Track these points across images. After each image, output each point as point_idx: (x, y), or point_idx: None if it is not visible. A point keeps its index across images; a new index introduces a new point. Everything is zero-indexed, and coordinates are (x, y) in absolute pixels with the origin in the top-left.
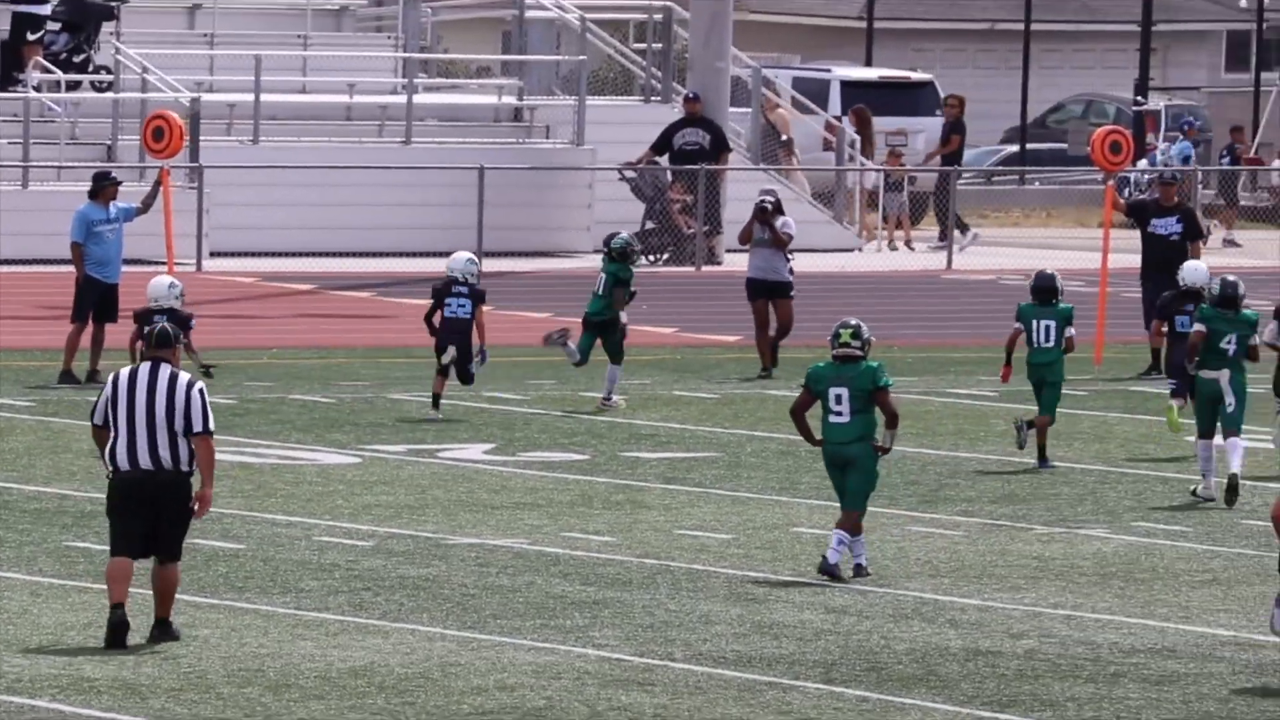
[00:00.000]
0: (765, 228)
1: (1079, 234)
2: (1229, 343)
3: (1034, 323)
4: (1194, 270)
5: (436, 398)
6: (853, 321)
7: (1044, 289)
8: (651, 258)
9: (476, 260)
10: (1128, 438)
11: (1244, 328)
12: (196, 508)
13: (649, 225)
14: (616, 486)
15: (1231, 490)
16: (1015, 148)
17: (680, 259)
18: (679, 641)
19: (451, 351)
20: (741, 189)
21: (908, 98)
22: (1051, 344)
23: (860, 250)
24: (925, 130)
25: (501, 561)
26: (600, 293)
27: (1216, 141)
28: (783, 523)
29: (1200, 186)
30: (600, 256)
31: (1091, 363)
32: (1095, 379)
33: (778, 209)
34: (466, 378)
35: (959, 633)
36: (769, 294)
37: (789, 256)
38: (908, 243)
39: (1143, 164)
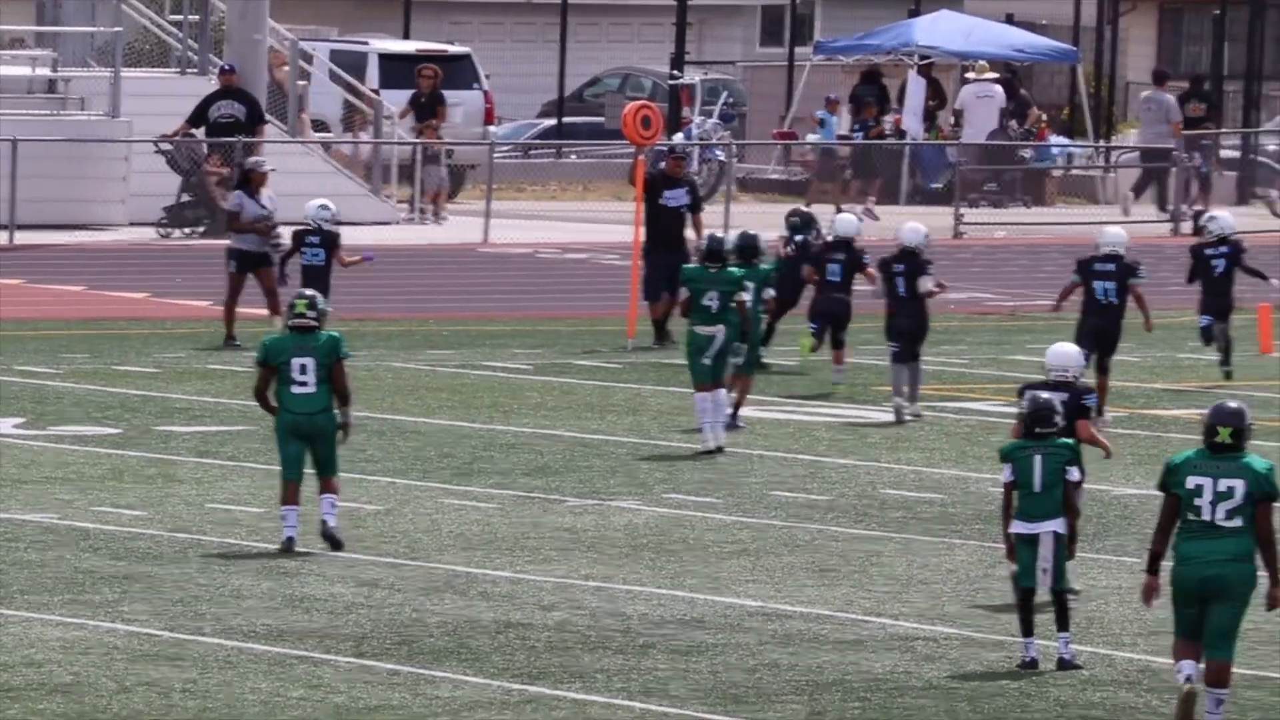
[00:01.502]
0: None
1: (615, 207)
2: (711, 299)
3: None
4: (850, 226)
5: None
6: (308, 293)
7: (746, 248)
8: (187, 230)
9: (330, 206)
10: (660, 410)
11: (726, 285)
12: None
13: (185, 198)
14: (149, 460)
15: (718, 451)
16: (553, 121)
17: (216, 232)
18: (209, 616)
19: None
20: (278, 161)
21: (445, 70)
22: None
23: (398, 223)
24: (464, 103)
25: (30, 536)
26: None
27: (753, 115)
28: (312, 495)
29: (736, 160)
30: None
31: (626, 335)
32: (633, 351)
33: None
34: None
35: (490, 605)
36: (254, 265)
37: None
38: (436, 214)
39: (679, 137)
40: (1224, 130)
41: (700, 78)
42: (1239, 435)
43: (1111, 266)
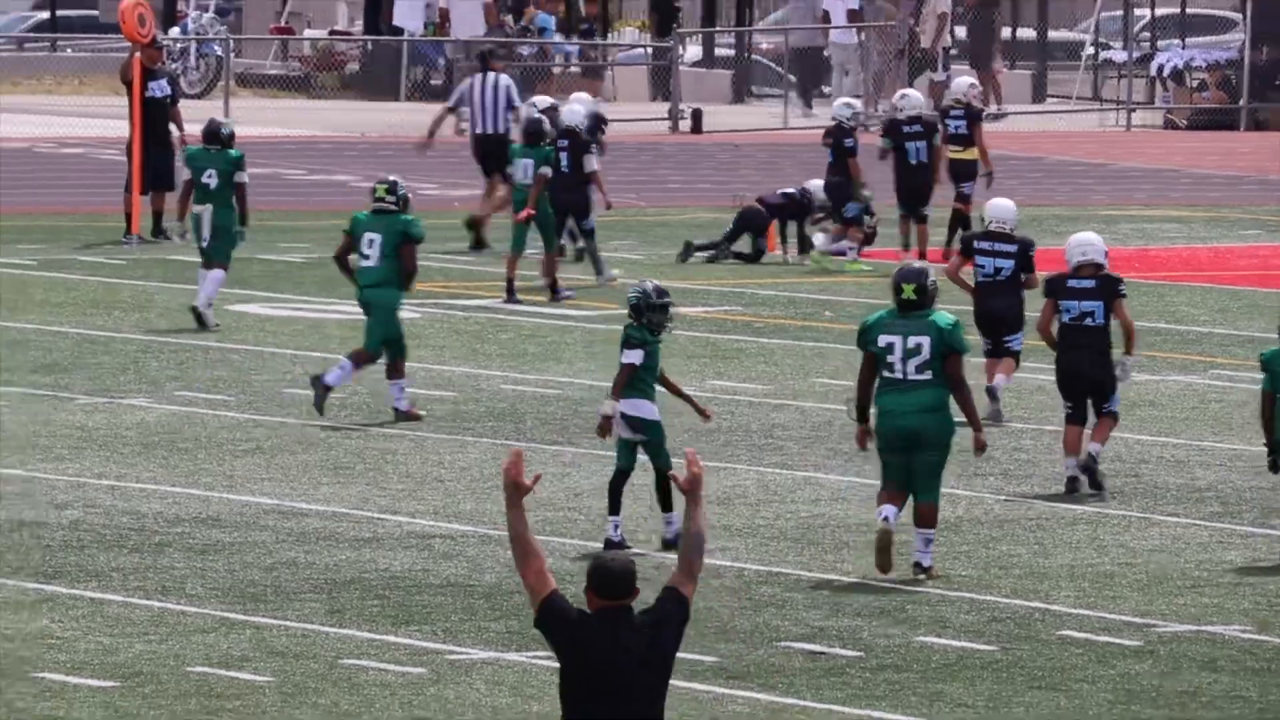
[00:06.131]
0: None
1: (112, 101)
2: (209, 178)
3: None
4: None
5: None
6: None
7: (532, 131)
8: None
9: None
10: (168, 306)
11: (225, 164)
12: None
13: None
14: None
15: (198, 317)
16: (46, 14)
17: None
18: None
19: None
20: None
21: None
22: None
23: None
24: None
25: None
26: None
27: (249, 10)
28: None
29: (234, 55)
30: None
31: (128, 230)
32: (135, 246)
33: None
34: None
35: (3, 504)
36: None
37: None
38: None
39: (175, 31)
40: (718, 29)
41: None
42: (922, 292)
43: (919, 128)
